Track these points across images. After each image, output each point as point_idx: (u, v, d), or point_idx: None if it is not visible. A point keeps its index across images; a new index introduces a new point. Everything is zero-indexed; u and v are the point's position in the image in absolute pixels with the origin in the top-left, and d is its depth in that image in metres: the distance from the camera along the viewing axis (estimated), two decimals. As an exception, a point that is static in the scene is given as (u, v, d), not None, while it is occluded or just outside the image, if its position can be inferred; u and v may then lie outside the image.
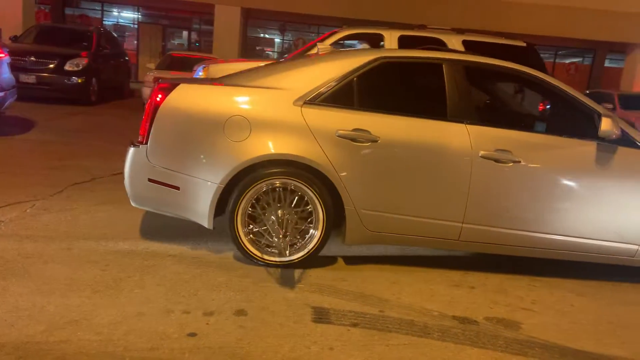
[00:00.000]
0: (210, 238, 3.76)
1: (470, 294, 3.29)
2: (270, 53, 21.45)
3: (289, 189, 3.29)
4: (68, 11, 19.85)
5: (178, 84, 3.35)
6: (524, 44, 7.07)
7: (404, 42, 6.82)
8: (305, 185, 3.26)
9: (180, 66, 11.02)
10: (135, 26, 20.28)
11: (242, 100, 3.34)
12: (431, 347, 2.59)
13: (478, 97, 3.62)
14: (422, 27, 7.70)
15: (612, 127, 3.34)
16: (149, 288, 2.91)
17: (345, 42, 8.22)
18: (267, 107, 3.31)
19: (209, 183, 3.24)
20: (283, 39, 21.14)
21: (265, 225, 3.31)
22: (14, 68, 8.20)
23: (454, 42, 6.86)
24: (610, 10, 15.04)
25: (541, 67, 6.69)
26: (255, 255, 3.33)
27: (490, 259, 3.90)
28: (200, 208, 3.29)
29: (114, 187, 4.91)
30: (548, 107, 4.11)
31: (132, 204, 3.49)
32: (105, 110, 10.79)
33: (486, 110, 3.70)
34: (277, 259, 3.34)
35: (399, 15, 14.57)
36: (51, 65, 10.44)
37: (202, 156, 3.28)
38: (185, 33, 21.14)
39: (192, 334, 2.47)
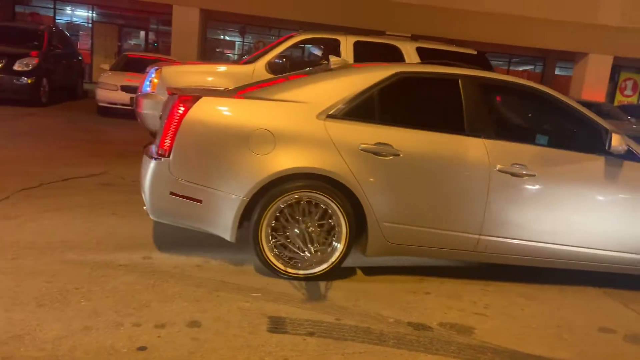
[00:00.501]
0: (165, 247, 3.67)
1: (426, 300, 3.33)
2: (231, 55, 21.25)
3: (312, 202, 3.31)
4: (18, 9, 19.07)
5: (200, 97, 3.32)
6: (475, 52, 7.31)
7: (359, 48, 6.90)
8: (328, 198, 3.29)
9: (137, 67, 10.75)
10: (90, 25, 19.68)
11: (266, 114, 3.34)
12: (386, 354, 2.60)
13: (493, 112, 3.75)
14: (380, 33, 7.82)
15: (621, 143, 3.52)
16: (98, 300, 2.80)
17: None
18: (291, 121, 3.33)
19: (233, 196, 3.24)
20: (243, 41, 20.98)
21: (289, 239, 3.32)
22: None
23: (409, 49, 6.98)
24: (560, 20, 15.62)
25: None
26: (279, 268, 3.33)
27: (445, 264, 3.96)
28: (223, 221, 3.28)
29: (64, 193, 4.74)
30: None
31: (151, 217, 3.42)
32: (56, 112, 10.41)
33: (501, 125, 3.83)
34: (301, 272, 3.35)
35: (358, 21, 14.71)
36: (-1, 65, 10.01)
37: (226, 169, 3.26)
38: (142, 33, 20.65)
39: (142, 348, 2.40)
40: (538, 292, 3.68)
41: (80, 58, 13.84)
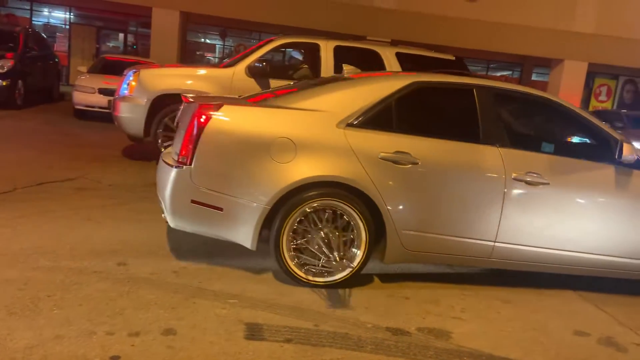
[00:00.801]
0: (141, 253, 3.61)
1: (404, 305, 3.33)
2: (212, 58, 21.13)
3: (332, 210, 3.35)
4: (-7, 9, 18.70)
5: (222, 105, 3.33)
6: (453, 58, 7.41)
7: (339, 53, 6.93)
8: (349, 206, 3.33)
9: (115, 70, 10.62)
10: (67, 27, 19.38)
11: (287, 122, 3.36)
12: (364, 360, 2.60)
13: (507, 121, 3.81)
14: (361, 38, 7.86)
15: (632, 153, 3.61)
16: (70, 308, 2.74)
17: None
18: (312, 130, 3.36)
19: (255, 204, 3.25)
20: (224, 45, 20.88)
21: (309, 246, 3.35)
22: None
23: (388, 54, 7.04)
24: (537, 27, 15.88)
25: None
26: (300, 276, 3.36)
27: (423, 269, 3.98)
28: (244, 229, 3.29)
29: (38, 198, 4.65)
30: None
31: (172, 225, 3.40)
32: (32, 114, 10.21)
33: (515, 134, 3.89)
34: (322, 279, 3.38)
35: (340, 26, 14.75)
36: (-28, 67, 9.79)
37: (247, 177, 3.27)
38: (121, 35, 20.41)
39: (115, 357, 2.35)
40: (515, 295, 3.72)
41: (57, 60, 13.61)
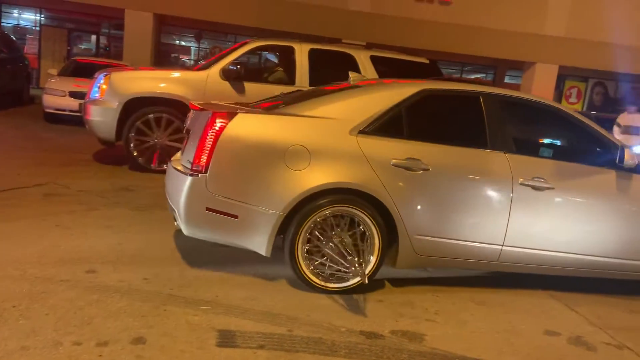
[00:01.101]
0: (110, 260, 3.54)
1: (378, 308, 3.33)
2: (187, 61, 20.89)
3: (346, 216, 3.40)
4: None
5: (236, 113, 3.35)
6: (427, 61, 7.48)
7: (314, 56, 6.93)
8: (362, 213, 3.38)
9: (86, 73, 10.42)
10: (38, 29, 18.95)
11: (300, 130, 3.41)
12: (337, 365, 2.59)
13: (512, 128, 3.91)
14: (337, 41, 7.87)
15: (632, 157, 3.74)
16: (37, 318, 2.66)
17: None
18: (325, 137, 3.41)
19: (270, 212, 3.28)
20: (199, 47, 20.68)
21: (323, 253, 3.39)
22: None
23: (362, 57, 7.07)
24: (510, 31, 16.16)
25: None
26: (316, 282, 3.40)
27: (396, 272, 3.99)
28: (259, 236, 3.32)
29: (6, 204, 4.53)
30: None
31: (186, 232, 3.41)
32: (0, 118, 9.94)
33: (520, 140, 3.99)
34: (336, 285, 3.42)
35: (315, 29, 14.76)
36: (-64, 69, 9.50)
37: (263, 185, 3.30)
38: (93, 38, 20.04)
39: (83, 368, 2.29)
40: (487, 296, 3.75)
41: (26, 62, 13.32)
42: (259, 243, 3.33)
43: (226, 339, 2.68)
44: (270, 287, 3.43)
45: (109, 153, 7.34)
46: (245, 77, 6.68)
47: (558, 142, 4.56)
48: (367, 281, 3.35)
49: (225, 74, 6.60)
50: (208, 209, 3.30)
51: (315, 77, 6.85)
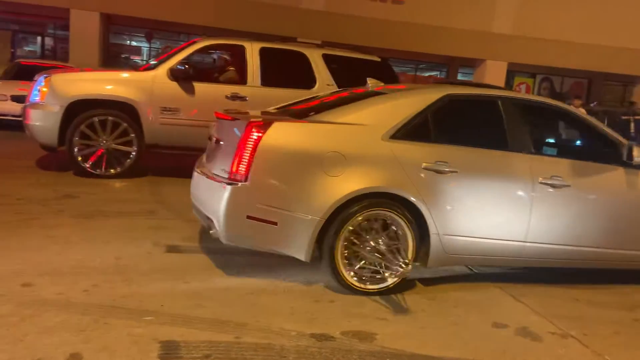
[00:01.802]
0: (48, 272, 3.36)
1: (330, 309, 3.31)
2: (139, 61, 20.35)
3: (380, 219, 3.50)
4: None
5: (272, 122, 3.42)
6: (379, 59, 7.52)
7: (265, 55, 6.85)
8: (397, 215, 3.50)
9: (30, 76, 9.94)
10: (-22, 30, 18.05)
11: (335, 137, 3.51)
12: (286, 370, 2.54)
13: (530, 129, 4.08)
14: (288, 39, 7.80)
15: None
16: (-37, 338, 2.50)
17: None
18: (359, 143, 3.53)
19: (309, 217, 3.36)
20: (150, 47, 20.18)
21: (361, 256, 3.49)
22: None
23: (315, 55, 7.05)
24: (460, 29, 16.47)
25: (394, 80, 7.14)
26: (355, 285, 3.49)
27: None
28: (299, 242, 3.40)
29: None
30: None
31: (224, 241, 3.45)
32: None
33: (537, 140, 4.17)
34: (375, 287, 3.53)
35: (269, 27, 14.60)
36: None
37: (301, 191, 3.39)
38: (38, 39, 19.25)
39: (12, 390, 2.16)
40: (437, 291, 3.78)
41: (-36, 65, 12.64)
42: (299, 249, 3.41)
43: (169, 351, 2.59)
44: (219, 294, 3.34)
45: (53, 159, 7.04)
46: (194, 77, 6.53)
47: (571, 142, 4.84)
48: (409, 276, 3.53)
49: (174, 74, 6.43)
50: (249, 217, 3.37)
51: (267, 76, 6.78)
